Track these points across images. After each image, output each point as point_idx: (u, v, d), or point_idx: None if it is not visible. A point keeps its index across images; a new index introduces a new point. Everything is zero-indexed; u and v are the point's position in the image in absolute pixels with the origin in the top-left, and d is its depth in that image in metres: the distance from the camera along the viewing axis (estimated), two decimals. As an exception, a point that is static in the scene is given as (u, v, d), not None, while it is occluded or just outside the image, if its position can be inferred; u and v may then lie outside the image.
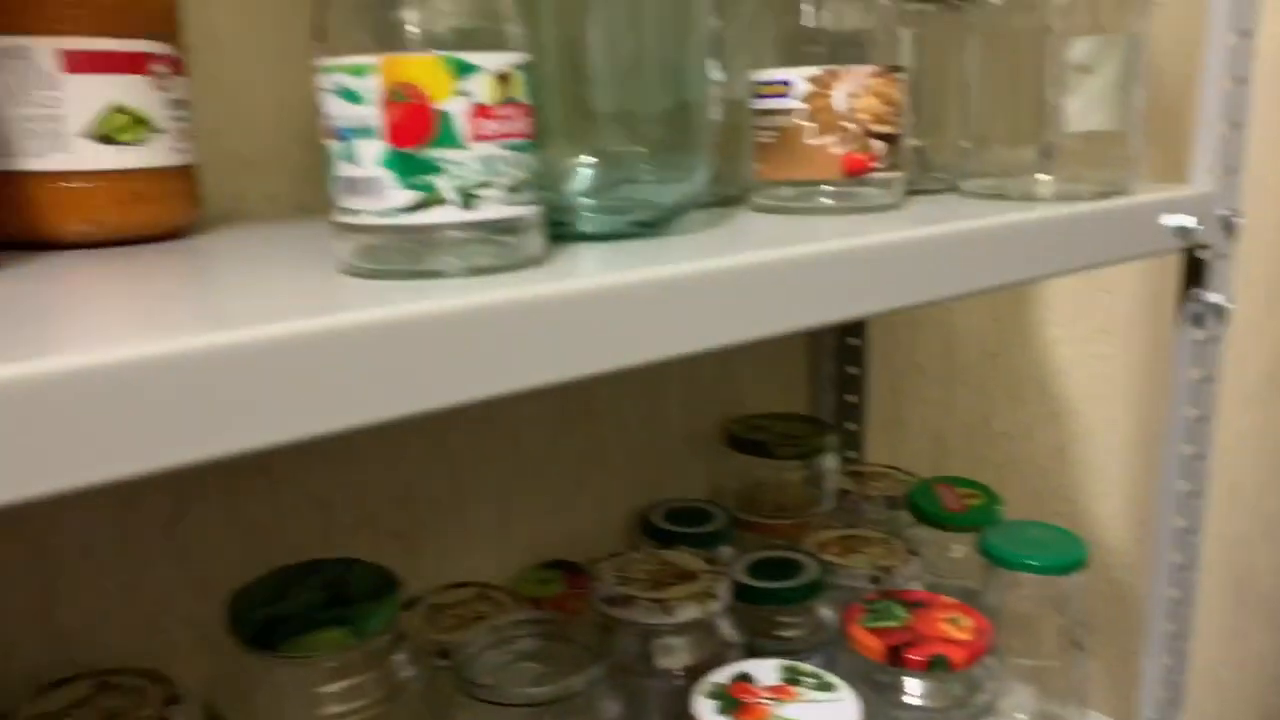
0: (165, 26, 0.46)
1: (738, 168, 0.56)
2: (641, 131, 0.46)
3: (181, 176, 0.48)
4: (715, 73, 0.46)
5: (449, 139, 0.33)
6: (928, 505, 0.80)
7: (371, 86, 0.33)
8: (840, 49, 0.52)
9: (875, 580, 0.72)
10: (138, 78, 0.44)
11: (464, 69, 0.33)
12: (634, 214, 0.46)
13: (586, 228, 0.44)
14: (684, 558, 0.67)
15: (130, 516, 0.59)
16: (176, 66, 0.47)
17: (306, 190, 0.63)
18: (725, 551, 0.76)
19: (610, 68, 0.44)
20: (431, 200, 0.34)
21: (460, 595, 0.69)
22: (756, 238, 0.46)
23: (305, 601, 0.54)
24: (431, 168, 0.33)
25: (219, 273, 0.39)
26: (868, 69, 0.51)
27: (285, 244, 0.47)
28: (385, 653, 0.55)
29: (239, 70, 0.59)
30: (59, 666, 0.58)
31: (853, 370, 0.93)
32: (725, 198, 0.57)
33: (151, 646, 0.61)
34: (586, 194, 0.45)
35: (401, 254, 0.35)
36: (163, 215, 0.47)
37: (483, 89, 0.34)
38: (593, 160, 0.44)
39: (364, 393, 0.30)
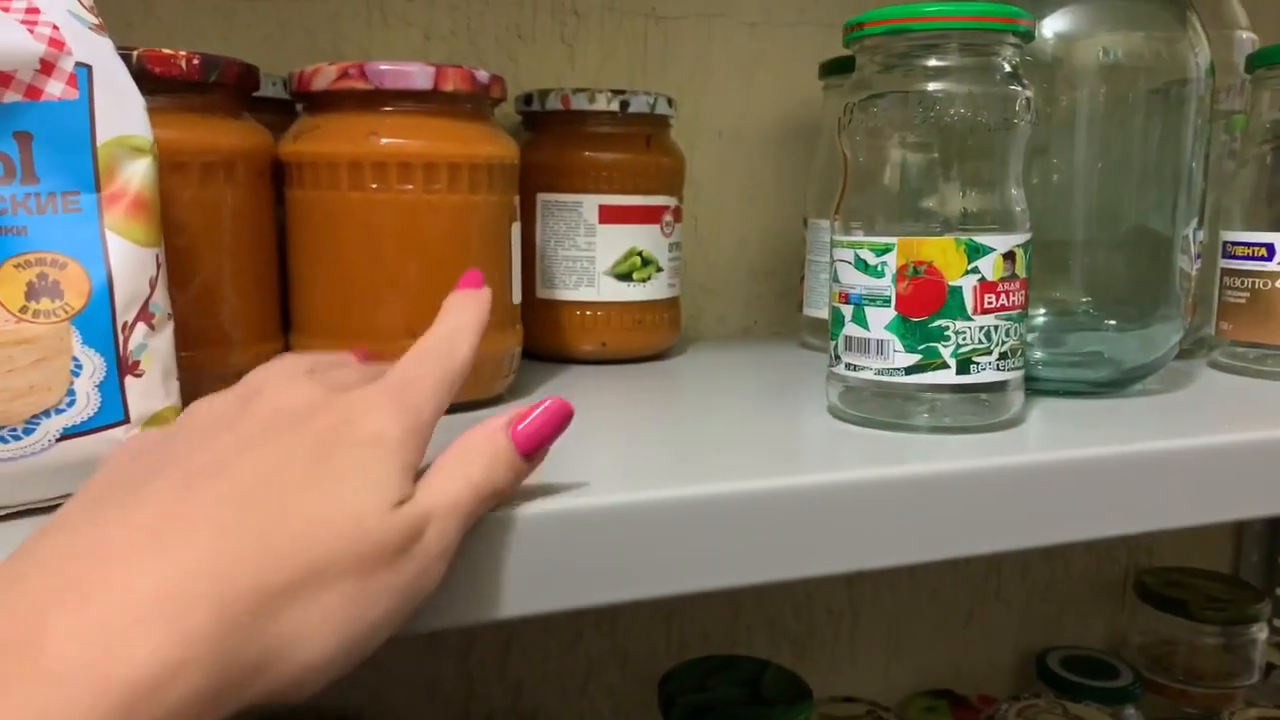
0: (676, 183, 0.54)
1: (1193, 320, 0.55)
2: (1099, 285, 0.47)
3: (670, 306, 0.55)
4: (1196, 235, 0.46)
5: (956, 311, 0.37)
6: (1383, 700, 0.70)
7: (889, 262, 0.37)
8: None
9: (1317, 777, 0.64)
10: (652, 227, 0.53)
11: (978, 251, 0.37)
12: (1092, 370, 0.47)
13: (1042, 383, 0.46)
14: (1093, 713, 0.64)
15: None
16: (677, 215, 0.55)
17: (749, 314, 0.69)
18: (1130, 712, 0.71)
19: (1079, 220, 0.46)
20: (931, 364, 0.37)
21: (851, 710, 0.70)
22: (1225, 408, 0.45)
23: (725, 695, 0.59)
24: (936, 335, 0.37)
25: (724, 407, 0.45)
26: (1364, 234, 0.48)
27: (753, 371, 0.53)
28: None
29: (711, 213, 0.67)
30: (510, 713, 0.67)
31: (1286, 530, 0.85)
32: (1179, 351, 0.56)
33: (578, 706, 0.69)
34: (1041, 345, 0.46)
35: (891, 408, 0.39)
36: (654, 339, 0.55)
37: (990, 267, 0.37)
38: (1046, 311, 0.46)
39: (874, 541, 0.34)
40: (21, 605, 0.20)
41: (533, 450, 0.28)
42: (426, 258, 0.39)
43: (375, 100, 0.39)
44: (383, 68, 0.38)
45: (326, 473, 0.24)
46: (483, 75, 0.40)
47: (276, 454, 0.24)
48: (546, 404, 0.29)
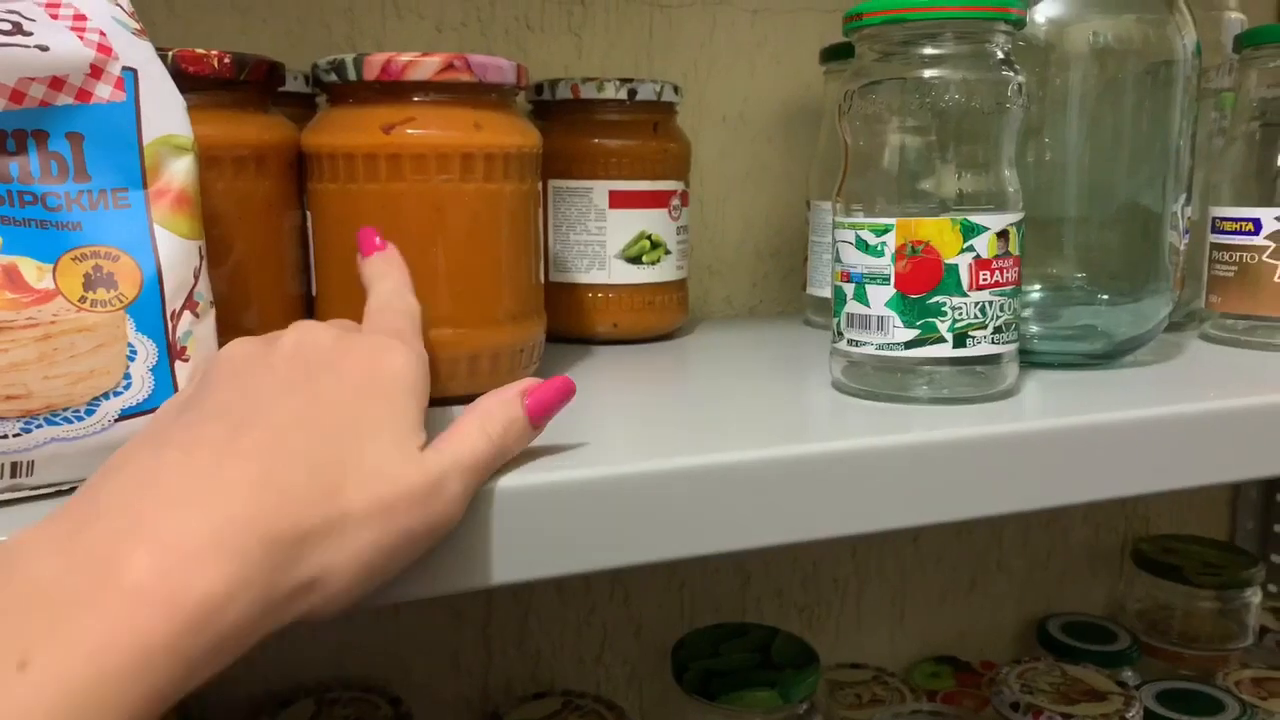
0: (683, 168, 0.56)
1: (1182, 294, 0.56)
2: (1091, 260, 0.48)
3: (679, 288, 0.57)
4: (1185, 211, 0.48)
5: (952, 288, 0.39)
6: (1373, 659, 0.73)
7: (888, 242, 0.39)
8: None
9: (1307, 733, 0.67)
10: (660, 211, 0.54)
11: (973, 230, 0.38)
12: (1085, 343, 0.48)
13: (1037, 355, 0.48)
14: (1091, 675, 0.66)
15: (590, 562, 0.70)
16: (684, 199, 0.56)
17: (755, 295, 0.71)
18: (1128, 674, 0.74)
19: (1071, 198, 0.47)
20: (928, 339, 0.39)
21: (857, 676, 0.73)
22: (1215, 377, 0.47)
23: (737, 661, 0.61)
24: (934, 311, 0.39)
25: (732, 383, 0.47)
26: (1348, 208, 0.50)
27: (759, 349, 0.55)
28: (803, 718, 0.60)
29: (716, 197, 0.69)
30: (529, 681, 0.69)
31: (1281, 498, 0.87)
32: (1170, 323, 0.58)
33: (594, 674, 0.71)
34: (1036, 319, 0.48)
35: (891, 381, 0.41)
36: (664, 320, 0.57)
37: (985, 245, 0.39)
38: (1041, 286, 0.48)
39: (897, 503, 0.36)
40: (98, 537, 0.22)
41: (540, 418, 0.32)
42: (454, 249, 0.41)
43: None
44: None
45: (355, 419, 0.27)
46: (508, 65, 0.41)
47: (310, 398, 0.27)
48: (554, 379, 0.33)
